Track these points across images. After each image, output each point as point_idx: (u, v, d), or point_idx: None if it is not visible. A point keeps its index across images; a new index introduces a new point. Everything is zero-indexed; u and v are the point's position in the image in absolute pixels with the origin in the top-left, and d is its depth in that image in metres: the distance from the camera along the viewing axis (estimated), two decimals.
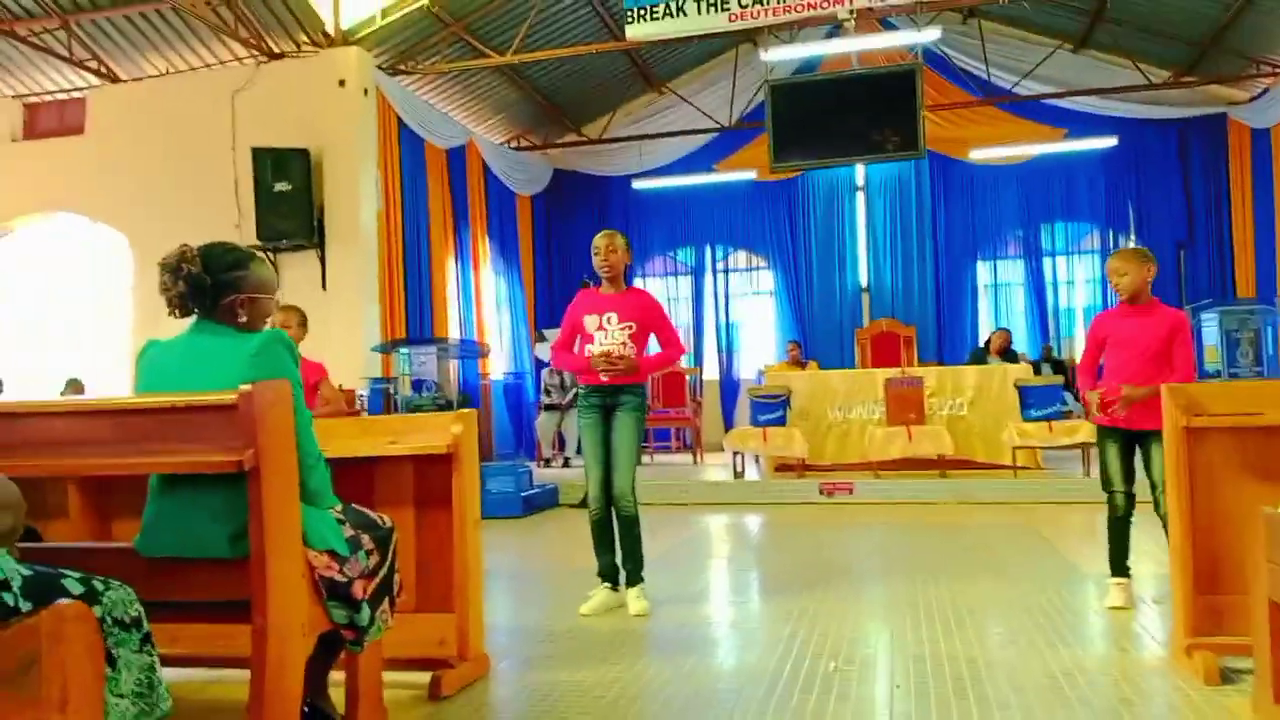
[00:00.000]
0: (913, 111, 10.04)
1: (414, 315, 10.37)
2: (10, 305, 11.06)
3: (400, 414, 8.30)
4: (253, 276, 2.71)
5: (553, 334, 9.11)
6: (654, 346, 4.53)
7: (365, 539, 2.76)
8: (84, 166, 10.27)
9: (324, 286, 9.62)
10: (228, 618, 2.54)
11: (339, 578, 2.61)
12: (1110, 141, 12.03)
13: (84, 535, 3.28)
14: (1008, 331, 11.08)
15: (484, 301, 12.10)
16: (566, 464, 11.05)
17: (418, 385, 8.97)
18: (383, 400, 8.87)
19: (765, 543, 6.79)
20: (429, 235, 10.83)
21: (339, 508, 2.74)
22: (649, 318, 4.43)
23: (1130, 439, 4.10)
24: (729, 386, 13.45)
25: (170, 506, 2.56)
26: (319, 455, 2.65)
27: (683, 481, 8.86)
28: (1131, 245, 4.56)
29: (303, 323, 4.99)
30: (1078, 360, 12.10)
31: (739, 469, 8.97)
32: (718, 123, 12.92)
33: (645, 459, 11.36)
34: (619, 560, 4.42)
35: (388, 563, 2.88)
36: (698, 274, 14.01)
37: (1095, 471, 8.03)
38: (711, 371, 13.67)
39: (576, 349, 4.51)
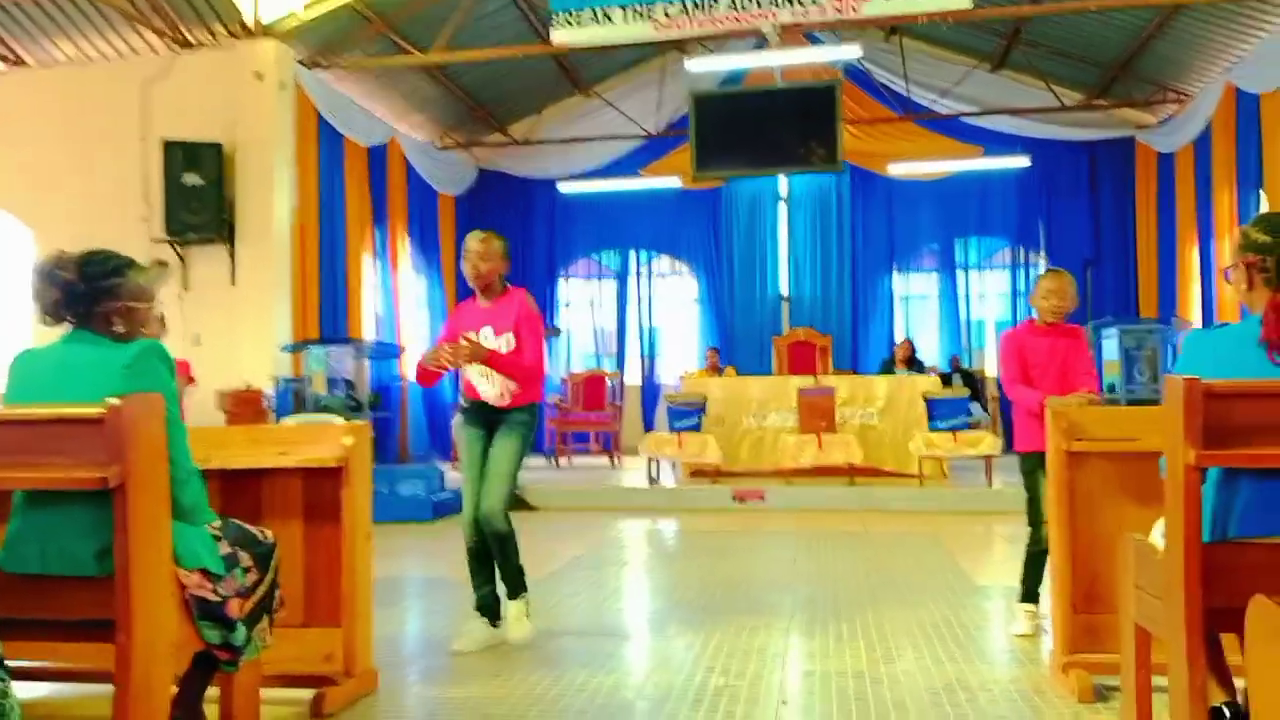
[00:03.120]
0: (833, 126, 10.18)
1: (328, 314, 10.19)
2: None
3: (306, 414, 8.15)
4: (130, 284, 2.62)
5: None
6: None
7: (243, 556, 2.70)
8: None
9: (233, 282, 9.40)
10: (96, 636, 2.45)
11: (212, 597, 2.55)
12: (1024, 161, 12.35)
13: None
14: (909, 342, 11.35)
15: (403, 301, 11.94)
16: None
17: (332, 385, 8.81)
18: (292, 400, 8.70)
19: (674, 551, 6.83)
20: (346, 233, 10.65)
21: (216, 523, 2.68)
22: (517, 323, 3.92)
23: None
24: (650, 391, 13.50)
25: (35, 521, 2.48)
26: (193, 470, 2.58)
27: (598, 487, 8.87)
28: (1053, 268, 4.57)
29: (160, 319, 4.48)
30: (987, 372, 12.54)
31: (654, 474, 8.99)
32: (645, 129, 12.95)
33: (563, 461, 11.35)
34: (500, 590, 3.99)
35: (268, 579, 2.82)
36: (622, 278, 14.04)
37: (997, 482, 8.28)
38: (634, 376, 13.70)
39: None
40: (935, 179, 13.06)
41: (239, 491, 3.42)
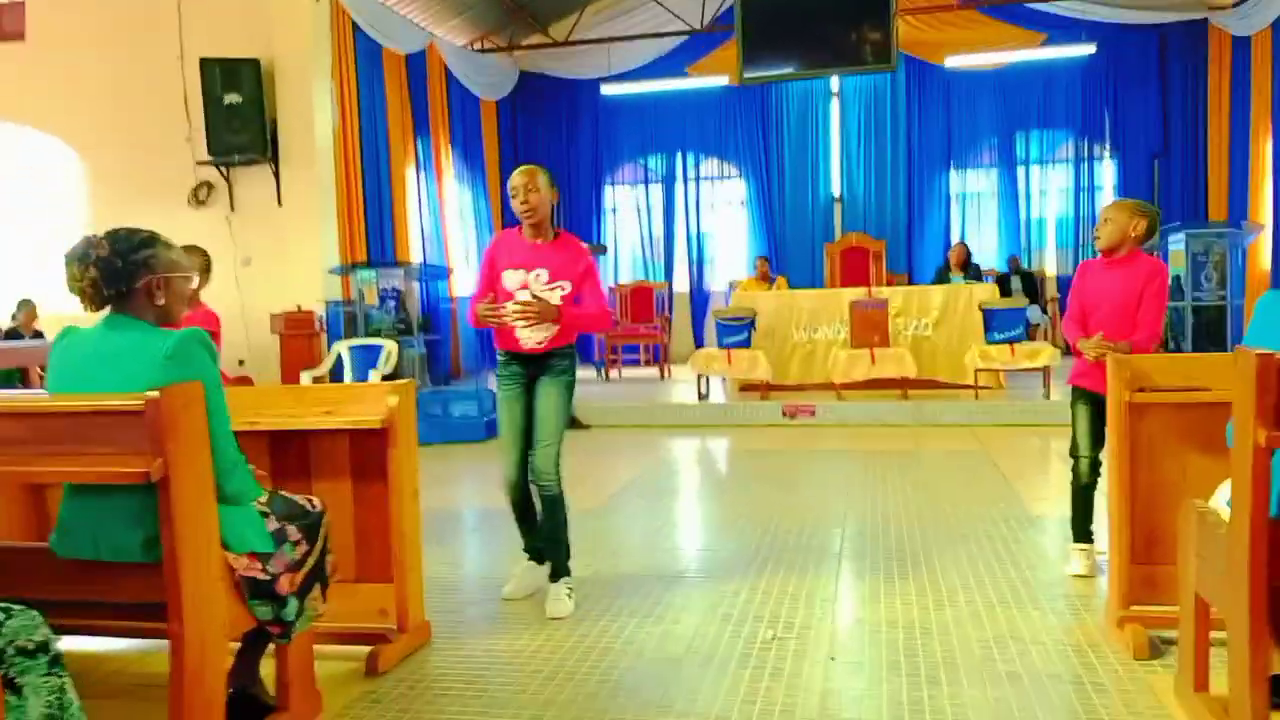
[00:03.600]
0: (887, 17, 9.73)
1: (374, 232, 10.16)
2: None
3: (358, 337, 8.21)
4: (163, 255, 2.59)
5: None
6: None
7: (291, 529, 2.71)
8: (25, 75, 9.85)
9: (279, 203, 9.38)
10: (150, 616, 2.50)
11: (262, 576, 2.57)
12: (1089, 49, 11.76)
13: (18, 533, 3.23)
14: (964, 245, 10.93)
15: (449, 215, 11.86)
16: None
17: (381, 304, 8.84)
18: (343, 322, 8.74)
19: (724, 476, 6.84)
20: (389, 147, 10.54)
21: (264, 499, 2.69)
22: (579, 276, 3.73)
23: (1101, 404, 3.80)
24: (699, 299, 13.36)
25: (83, 508, 2.50)
26: (238, 459, 2.57)
27: (649, 404, 8.85)
28: (1133, 200, 4.15)
29: (206, 268, 4.33)
30: (1047, 271, 12.20)
31: (703, 390, 8.96)
32: (689, 24, 12.50)
33: (612, 374, 11.36)
34: (543, 550, 3.92)
35: (317, 548, 2.84)
36: (668, 183, 13.77)
37: (1056, 394, 8.12)
38: (682, 284, 13.56)
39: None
40: (995, 69, 12.51)
41: (287, 451, 3.45)
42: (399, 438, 3.34)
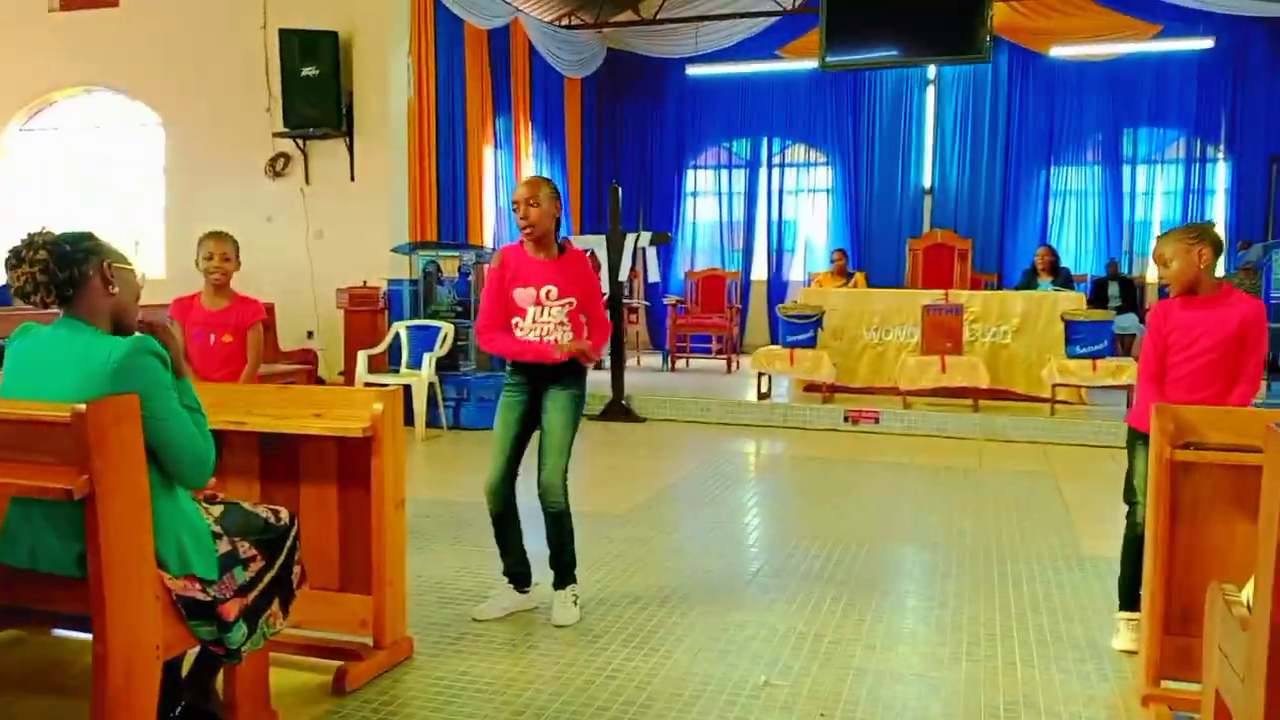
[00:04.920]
0: (981, 3, 9.22)
1: (447, 210, 10.11)
2: (46, 184, 11.07)
3: (419, 318, 8.18)
4: (106, 245, 2.52)
5: (591, 240, 8.78)
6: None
7: (245, 547, 2.60)
8: (118, 40, 10.05)
9: (352, 178, 9.40)
10: (88, 629, 2.42)
11: (202, 597, 2.47)
12: (1207, 42, 10.98)
13: None
14: (1050, 249, 10.14)
15: None
16: (599, 366, 10.86)
17: (442, 286, 8.79)
18: (407, 301, 8.72)
19: (770, 486, 6.59)
20: (466, 125, 10.45)
21: (217, 514, 2.58)
22: (585, 292, 3.71)
23: None
24: (777, 290, 12.99)
25: (25, 517, 2.42)
26: (208, 456, 2.47)
27: (706, 399, 8.62)
28: (1182, 226, 3.52)
29: (237, 252, 4.19)
30: (1148, 278, 11.49)
31: (764, 389, 8.68)
32: (780, 4, 12.10)
33: (680, 364, 11.14)
34: (548, 557, 3.77)
35: (278, 563, 2.74)
36: (752, 168, 13.41)
37: None
38: (760, 273, 13.24)
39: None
40: (1104, 60, 11.80)
41: (276, 451, 3.36)
42: (384, 445, 3.21)
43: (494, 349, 3.74)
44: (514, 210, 3.65)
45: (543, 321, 3.63)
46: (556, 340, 3.62)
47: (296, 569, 2.85)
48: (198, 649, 2.63)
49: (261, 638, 2.68)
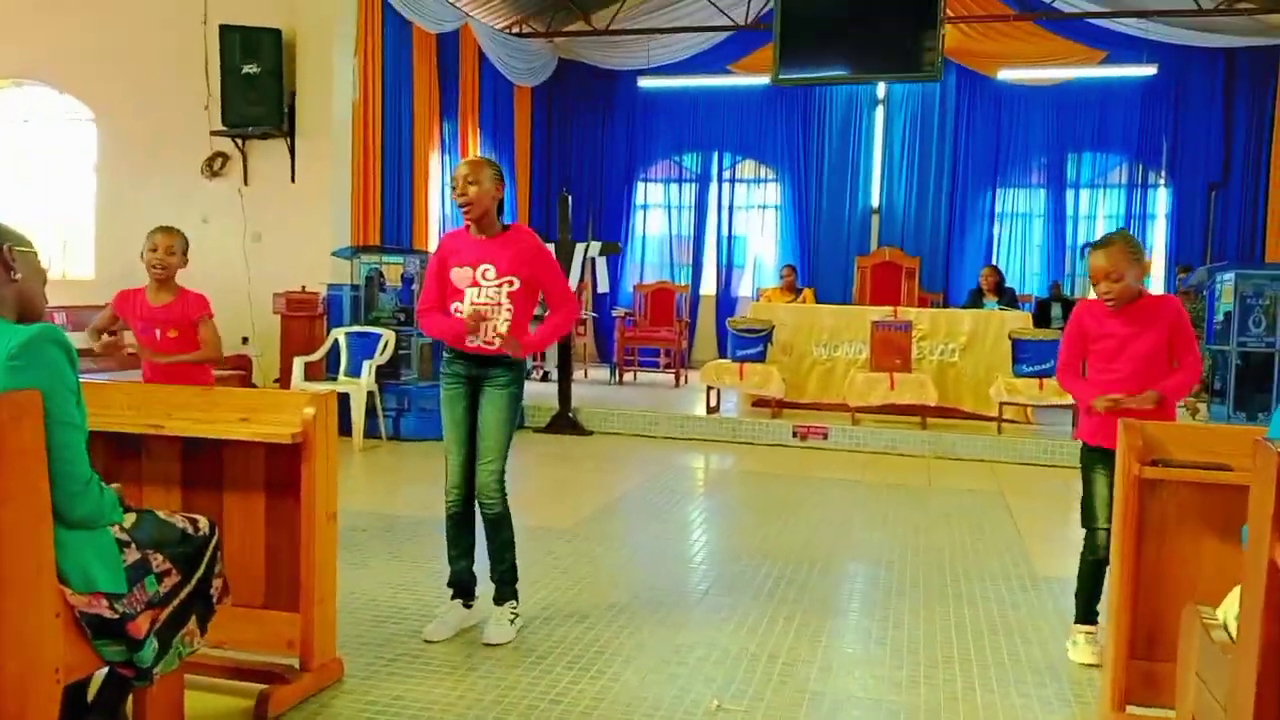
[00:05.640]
0: (933, 24, 9.26)
1: (390, 215, 9.88)
2: None
3: (358, 325, 7.93)
4: (8, 228, 2.30)
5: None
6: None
7: (158, 559, 2.38)
8: (50, 31, 9.68)
9: (293, 179, 9.13)
10: None
11: (109, 614, 2.24)
12: (1150, 70, 11.18)
13: None
14: (995, 269, 10.30)
15: None
16: (545, 377, 10.69)
17: (383, 292, 8.53)
18: (348, 307, 8.45)
19: (718, 501, 6.45)
20: (413, 129, 10.24)
21: (123, 524, 2.36)
22: (535, 271, 3.52)
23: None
24: (726, 305, 12.92)
25: None
26: (89, 478, 2.23)
27: (653, 413, 8.48)
28: (1102, 239, 3.55)
29: (185, 249, 4.11)
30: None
31: (713, 403, 8.57)
32: (732, 19, 12.07)
33: (627, 377, 11.00)
34: (489, 569, 3.61)
35: (196, 576, 2.52)
36: (703, 182, 13.36)
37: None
38: (709, 287, 13.16)
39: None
40: (1050, 84, 11.96)
41: (197, 459, 3.14)
42: (316, 453, 3.01)
43: (431, 332, 3.64)
44: (452, 189, 3.52)
45: (479, 303, 3.46)
46: (495, 326, 3.46)
47: (217, 583, 2.64)
48: (105, 671, 2.42)
49: (176, 657, 2.47)
